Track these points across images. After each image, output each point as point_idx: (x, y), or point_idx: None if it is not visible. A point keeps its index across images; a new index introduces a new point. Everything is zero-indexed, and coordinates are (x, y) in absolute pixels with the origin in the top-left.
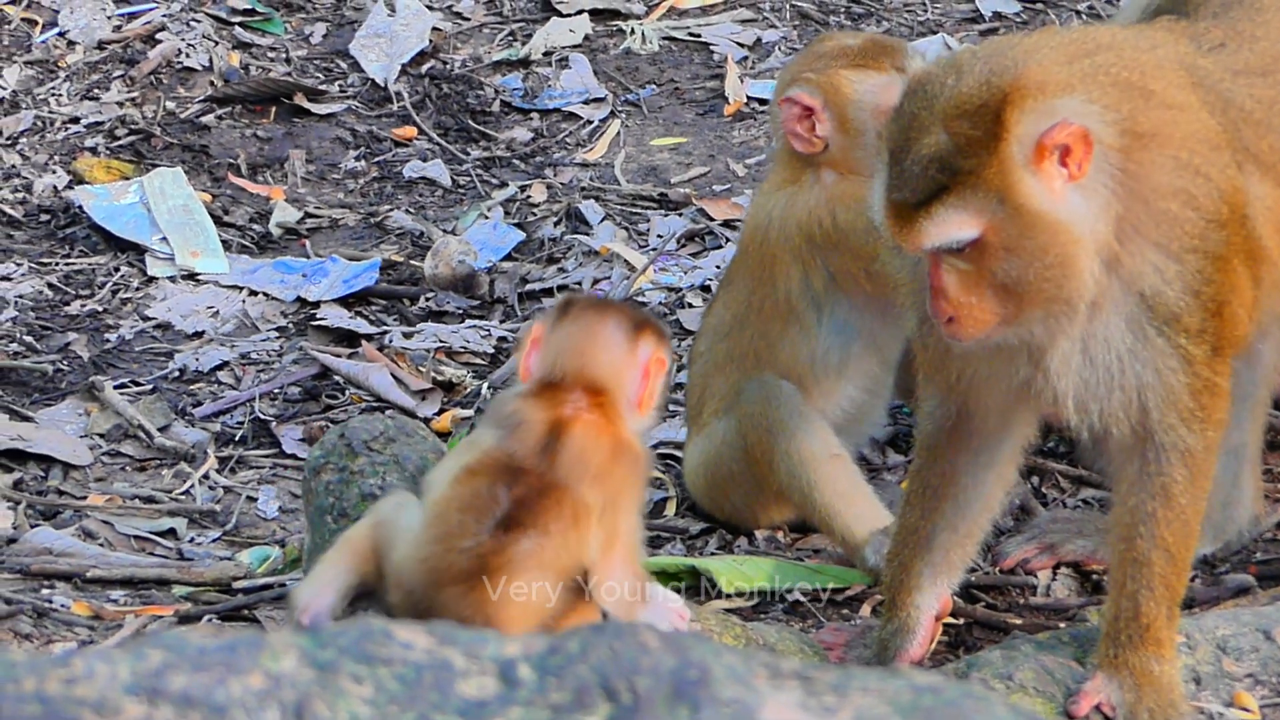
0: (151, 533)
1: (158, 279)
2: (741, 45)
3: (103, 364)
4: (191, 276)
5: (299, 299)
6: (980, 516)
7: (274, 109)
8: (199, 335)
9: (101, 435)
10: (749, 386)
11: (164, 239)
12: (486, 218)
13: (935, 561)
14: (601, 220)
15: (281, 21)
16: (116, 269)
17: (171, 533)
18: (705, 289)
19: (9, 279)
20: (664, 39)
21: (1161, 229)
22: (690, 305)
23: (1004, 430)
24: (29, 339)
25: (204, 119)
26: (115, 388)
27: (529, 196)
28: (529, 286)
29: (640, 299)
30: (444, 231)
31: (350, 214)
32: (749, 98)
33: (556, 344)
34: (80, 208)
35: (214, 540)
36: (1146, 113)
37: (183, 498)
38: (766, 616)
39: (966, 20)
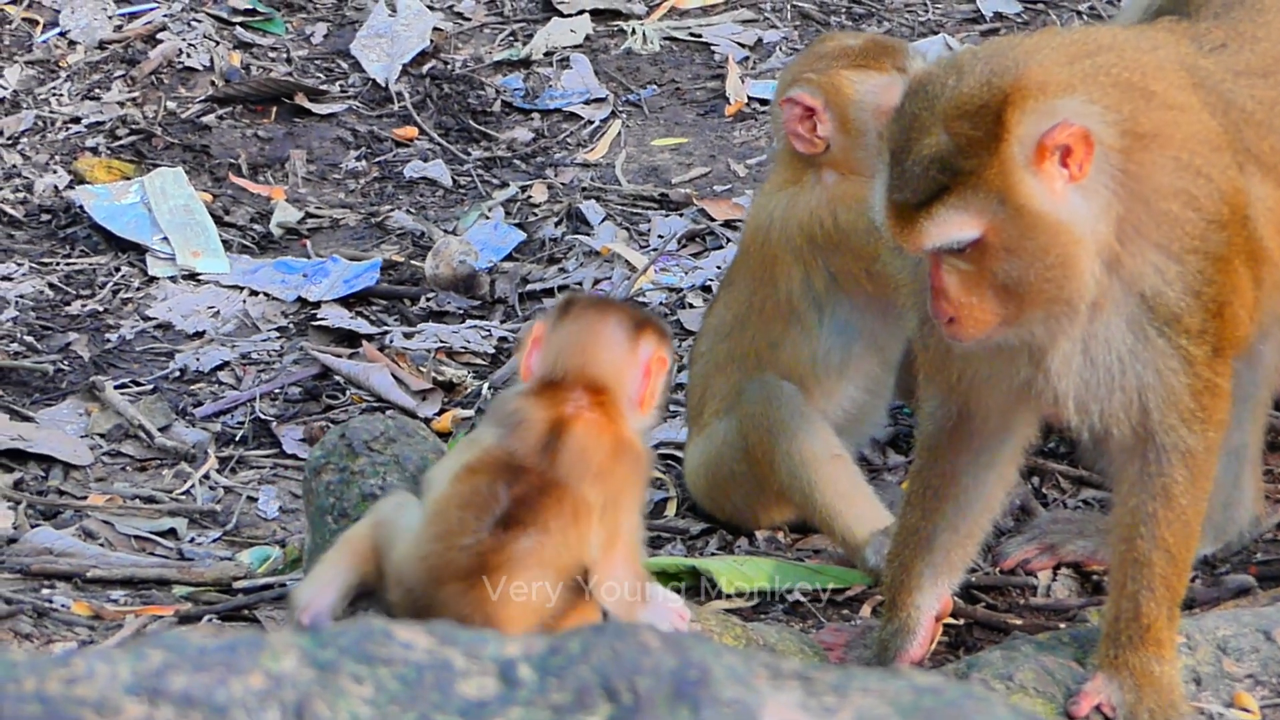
0: (152, 533)
1: (158, 279)
2: (742, 45)
3: (103, 364)
4: (192, 276)
5: (300, 299)
6: (981, 517)
7: (275, 109)
8: (199, 335)
9: (102, 435)
10: (750, 387)
11: (165, 239)
12: (487, 218)
13: (936, 562)
14: (602, 220)
15: (282, 21)
16: (117, 269)
17: (172, 533)
18: (706, 289)
19: (10, 279)
20: (665, 39)
21: (1162, 230)
22: (691, 306)
23: (1005, 431)
24: (30, 339)
25: (205, 119)
26: (116, 388)
27: (530, 197)
28: (530, 287)
29: (641, 299)
30: (445, 231)
31: (351, 214)
32: (750, 98)
33: (558, 343)
34: (81, 208)
35: (214, 540)
36: (1147, 113)
37: (183, 498)
38: (767, 617)
39: (967, 21)
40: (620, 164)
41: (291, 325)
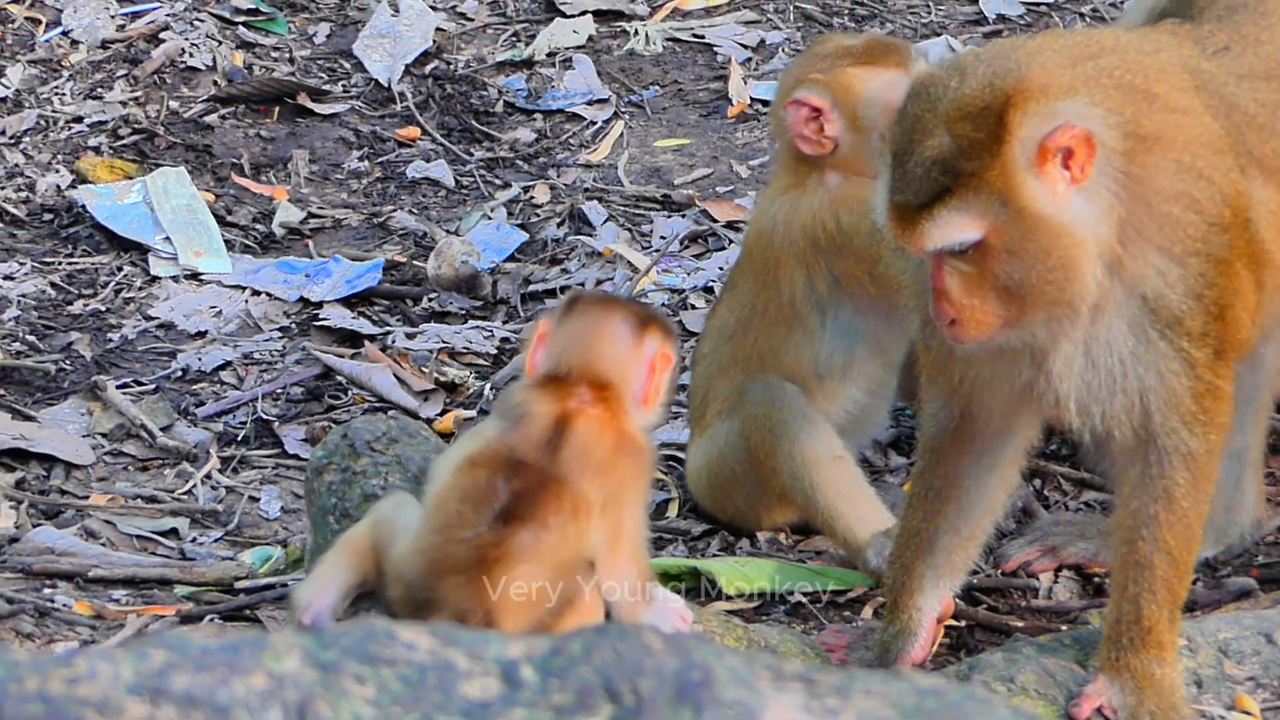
0: (154, 532)
1: (160, 279)
2: (745, 46)
3: (105, 363)
4: (194, 276)
5: (302, 299)
6: (983, 519)
7: (277, 109)
8: (202, 335)
9: (104, 435)
10: (752, 388)
11: (167, 239)
12: (490, 218)
13: (937, 564)
14: (605, 221)
15: (285, 21)
16: (119, 268)
17: (174, 532)
18: (708, 290)
19: (12, 278)
20: (667, 40)
21: (1164, 232)
22: (693, 307)
23: (1006, 433)
24: (32, 338)
25: (207, 119)
26: (118, 387)
27: (532, 197)
28: (532, 287)
29: (643, 300)
30: (447, 232)
31: (353, 214)
32: (752, 99)
33: (562, 339)
34: (83, 207)
35: (216, 540)
36: (1150, 116)
37: (185, 498)
38: (768, 618)
39: (970, 22)
40: (623, 165)
41: (294, 325)
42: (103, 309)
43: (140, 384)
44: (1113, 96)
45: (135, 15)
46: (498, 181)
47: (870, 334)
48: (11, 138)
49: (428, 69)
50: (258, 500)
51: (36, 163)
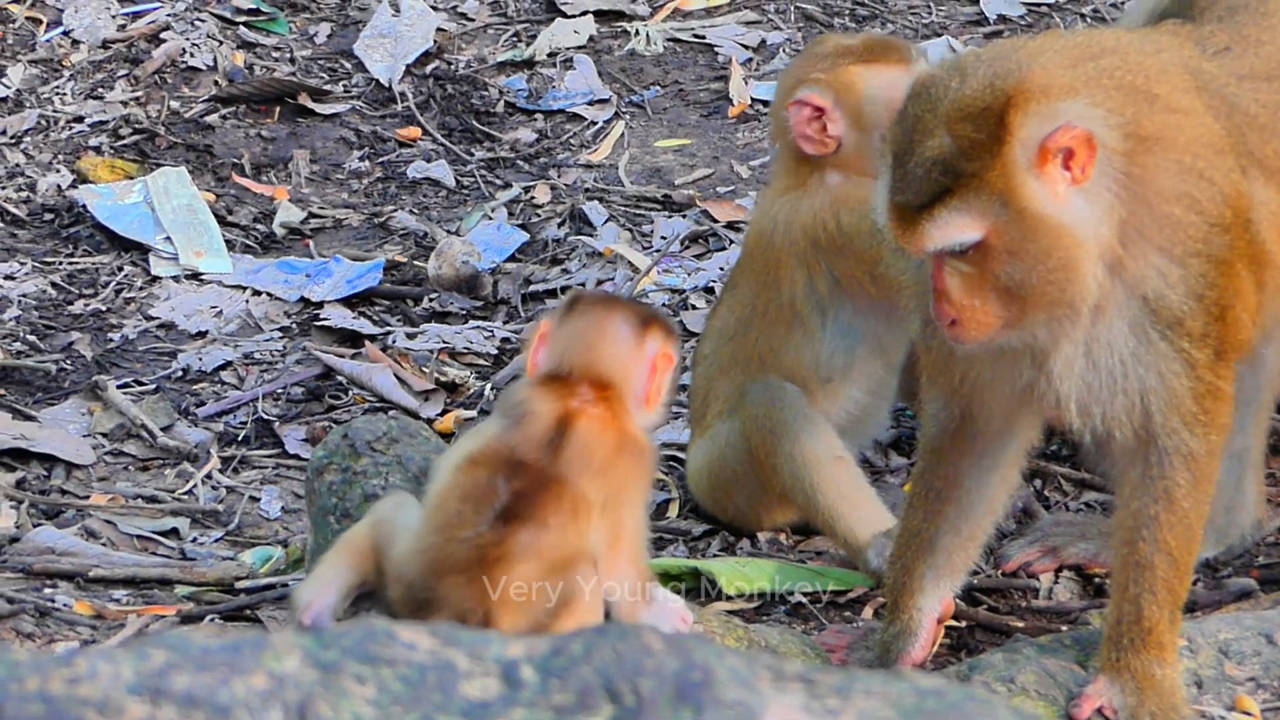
0: (154, 532)
1: (161, 278)
2: (746, 47)
3: (106, 363)
4: (195, 276)
5: (302, 299)
6: (983, 519)
7: (278, 109)
8: (202, 335)
9: (104, 435)
10: (753, 389)
11: (168, 238)
12: (490, 218)
13: (938, 564)
14: (605, 222)
15: (286, 21)
16: (120, 268)
17: (174, 532)
18: (709, 291)
19: (13, 278)
20: (668, 40)
21: (1165, 233)
22: (694, 307)
23: (1007, 433)
24: (32, 338)
25: (208, 119)
26: (118, 387)
27: (533, 197)
28: (532, 288)
29: (644, 300)
30: (448, 232)
31: (354, 214)
32: (753, 99)
33: (564, 338)
34: (84, 207)
35: (216, 540)
36: (1150, 116)
37: (185, 498)
38: (768, 618)
39: (971, 23)
40: (623, 165)
41: (294, 325)
42: (103, 309)
43: (141, 384)
44: (1114, 97)
45: (136, 15)
46: (498, 181)
47: (871, 334)
48: (12, 137)
49: (428, 69)
50: (258, 500)
51: (37, 162)
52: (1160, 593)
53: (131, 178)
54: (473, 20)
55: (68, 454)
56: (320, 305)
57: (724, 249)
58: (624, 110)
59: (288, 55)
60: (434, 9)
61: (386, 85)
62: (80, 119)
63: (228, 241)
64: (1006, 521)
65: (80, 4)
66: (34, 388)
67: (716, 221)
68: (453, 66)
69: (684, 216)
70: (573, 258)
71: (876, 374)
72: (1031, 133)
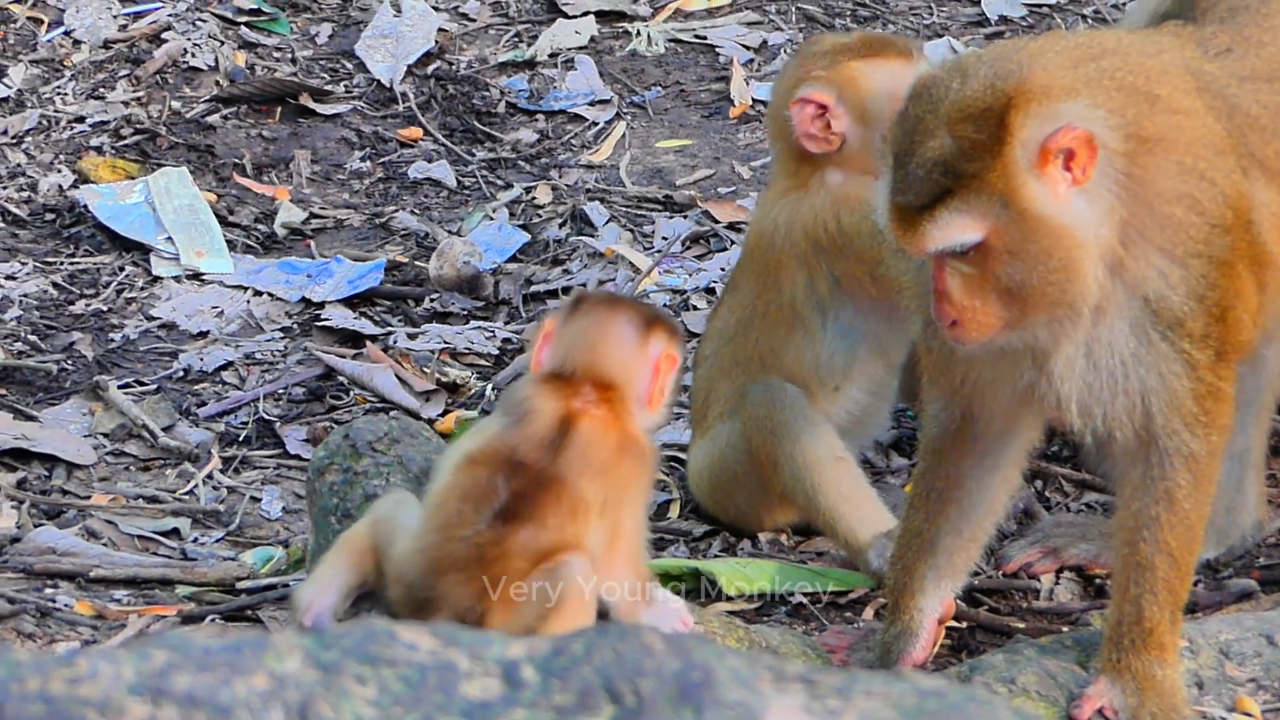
0: (155, 533)
1: (162, 279)
2: (747, 47)
3: (107, 363)
4: (196, 276)
5: (304, 299)
6: (984, 520)
7: (279, 109)
8: (203, 335)
9: (105, 435)
10: (754, 390)
11: (169, 239)
12: (491, 219)
13: (939, 565)
14: (606, 222)
15: (287, 21)
16: (121, 268)
17: (175, 533)
18: (710, 291)
19: (14, 278)
20: (670, 41)
21: (1166, 234)
22: (695, 308)
23: (1008, 434)
24: (33, 338)
25: (209, 119)
26: (119, 387)
27: (534, 198)
28: (534, 288)
29: (646, 301)
30: (449, 232)
31: (355, 215)
32: (754, 100)
33: (568, 338)
34: (85, 207)
35: (217, 540)
36: (1151, 117)
37: (186, 498)
38: (769, 619)
39: (972, 24)
40: (625, 166)
41: (295, 325)
42: (104, 309)
43: (142, 384)
44: (1115, 98)
45: (137, 15)
46: (500, 182)
47: (871, 335)
48: (13, 137)
49: (430, 69)
50: (259, 500)
51: (39, 163)
52: (1161, 594)
53: (133, 178)
54: (474, 21)
55: (69, 454)
56: (321, 305)
57: (725, 250)
58: (625, 111)
59: (289, 55)
60: (435, 9)
61: (388, 85)
62: (81, 119)
63: (229, 242)
64: (1007, 522)
65: (81, 4)
66: (35, 388)
67: (718, 222)
68: (454, 67)
69: (685, 217)
70: (574, 258)
71: (877, 375)
72: (1032, 133)
